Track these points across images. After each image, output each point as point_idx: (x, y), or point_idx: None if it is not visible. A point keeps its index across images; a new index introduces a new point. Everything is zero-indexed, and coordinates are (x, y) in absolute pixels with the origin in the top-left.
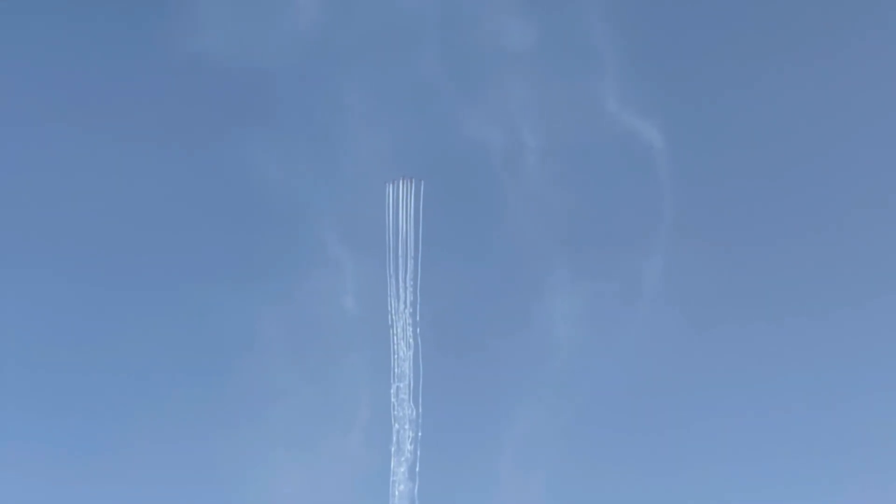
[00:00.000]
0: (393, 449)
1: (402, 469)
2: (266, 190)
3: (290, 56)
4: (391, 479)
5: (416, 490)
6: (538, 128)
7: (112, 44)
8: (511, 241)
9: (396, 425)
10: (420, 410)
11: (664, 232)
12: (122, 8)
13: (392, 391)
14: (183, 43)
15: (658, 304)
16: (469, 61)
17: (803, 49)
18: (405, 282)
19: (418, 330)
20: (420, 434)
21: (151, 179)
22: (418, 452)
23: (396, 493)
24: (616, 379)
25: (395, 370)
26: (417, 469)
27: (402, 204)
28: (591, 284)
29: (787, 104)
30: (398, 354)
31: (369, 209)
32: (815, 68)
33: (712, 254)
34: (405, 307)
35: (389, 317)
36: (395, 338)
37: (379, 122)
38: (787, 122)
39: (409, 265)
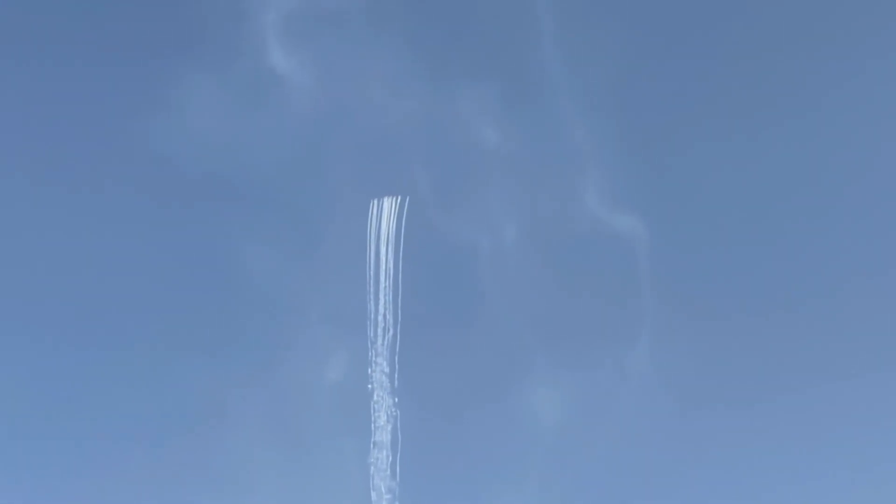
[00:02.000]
0: None
1: None
2: (246, 266)
3: (275, 151)
4: None
5: None
6: (519, 222)
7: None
8: (492, 330)
9: (374, 495)
10: (399, 481)
11: (648, 319)
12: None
13: (371, 461)
14: (164, 135)
15: (643, 390)
16: (450, 160)
17: (781, 133)
18: (385, 356)
19: (397, 400)
20: None
21: (133, 255)
22: None
23: None
24: (601, 462)
25: (375, 440)
26: None
27: (383, 282)
28: (575, 372)
29: (766, 191)
30: (377, 424)
31: (350, 284)
32: (793, 150)
33: (697, 338)
34: (385, 379)
35: (369, 388)
36: (374, 408)
37: (359, 210)
38: (768, 207)
39: (388, 340)
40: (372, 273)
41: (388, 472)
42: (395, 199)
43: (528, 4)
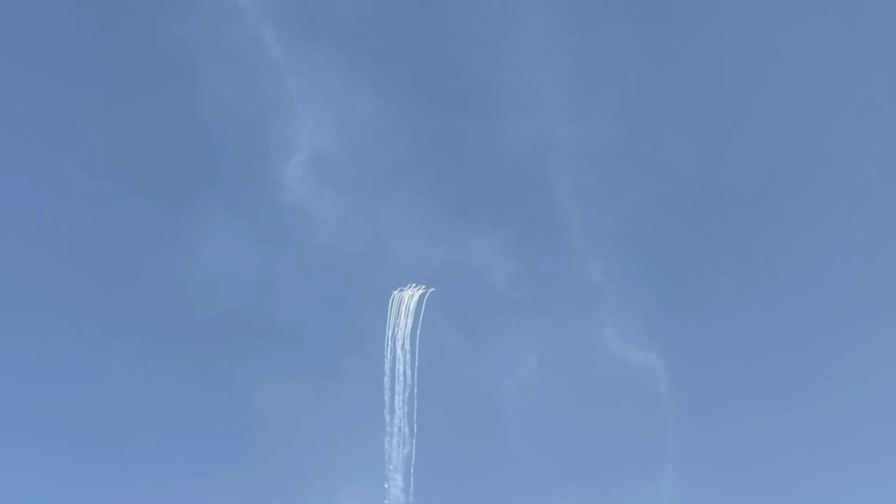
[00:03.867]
0: None
1: None
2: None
3: (292, 287)
4: None
5: None
6: (538, 363)
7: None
8: (513, 469)
9: None
10: None
11: (670, 452)
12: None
13: None
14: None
15: None
16: (470, 307)
17: (793, 263)
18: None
19: None
20: None
21: (149, 389)
22: None
23: None
24: None
25: None
26: None
27: (399, 420)
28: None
29: (782, 324)
30: None
31: (367, 419)
32: (806, 281)
33: (720, 470)
34: None
35: None
36: None
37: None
38: (783, 339)
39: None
40: (388, 403)
41: None
42: (416, 296)
43: (540, 152)
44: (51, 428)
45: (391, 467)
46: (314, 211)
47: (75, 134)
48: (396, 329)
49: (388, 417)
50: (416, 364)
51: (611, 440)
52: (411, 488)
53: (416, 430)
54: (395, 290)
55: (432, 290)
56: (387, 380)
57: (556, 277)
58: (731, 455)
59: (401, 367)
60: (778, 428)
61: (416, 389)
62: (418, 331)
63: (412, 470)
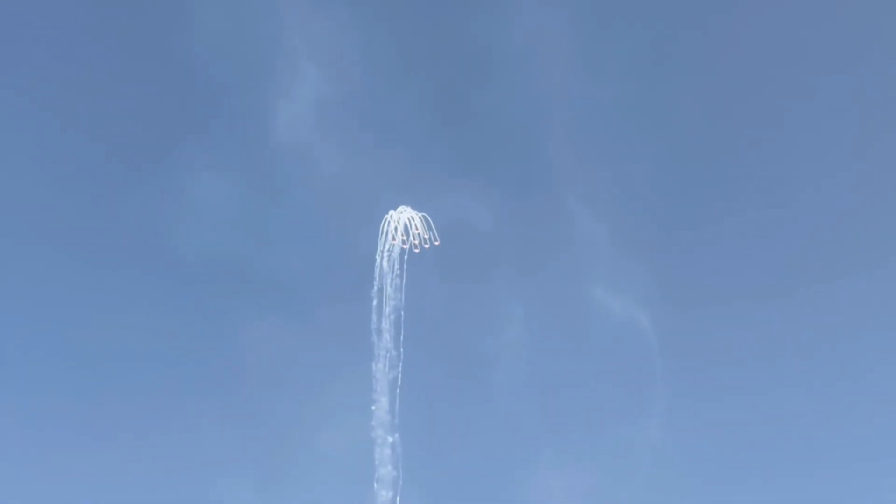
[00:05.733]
0: None
1: None
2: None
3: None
4: None
5: None
6: (527, 313)
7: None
8: (501, 421)
9: None
10: None
11: (657, 406)
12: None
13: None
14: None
15: (654, 469)
16: (461, 257)
17: (787, 201)
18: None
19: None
20: None
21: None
22: None
23: None
24: None
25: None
26: None
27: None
28: (583, 459)
29: (776, 267)
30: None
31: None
32: (801, 226)
33: (706, 422)
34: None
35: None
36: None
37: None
38: (772, 294)
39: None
40: (375, 324)
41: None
42: (408, 217)
43: (539, 109)
44: (39, 361)
45: (378, 390)
46: (305, 157)
47: (66, 69)
48: (386, 250)
49: (375, 339)
50: (404, 286)
51: (598, 390)
52: (396, 410)
53: (402, 356)
54: (389, 211)
55: (424, 213)
56: (374, 302)
57: (548, 231)
58: (716, 404)
59: (389, 291)
60: (763, 382)
61: (403, 314)
62: (406, 255)
63: (398, 392)
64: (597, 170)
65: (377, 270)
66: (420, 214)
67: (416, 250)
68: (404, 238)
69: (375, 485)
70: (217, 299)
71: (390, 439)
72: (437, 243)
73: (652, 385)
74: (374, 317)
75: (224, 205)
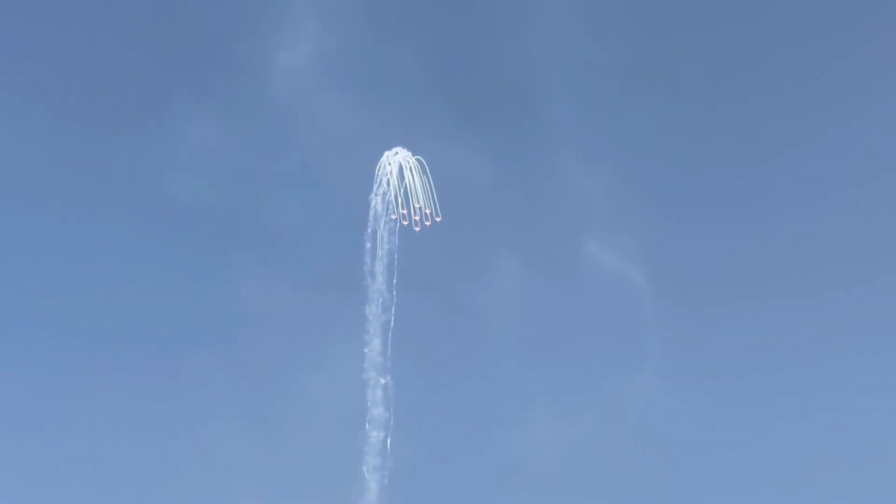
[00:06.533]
0: None
1: None
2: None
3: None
4: None
5: None
6: (521, 264)
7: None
8: (493, 370)
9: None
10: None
11: (650, 360)
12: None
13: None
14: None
15: (649, 413)
16: (457, 209)
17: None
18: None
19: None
20: None
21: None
22: None
23: None
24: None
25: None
26: None
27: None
28: (575, 410)
29: (770, 234)
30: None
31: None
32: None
33: (699, 380)
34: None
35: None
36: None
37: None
38: (769, 251)
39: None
40: (369, 266)
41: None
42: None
43: (543, 66)
44: (33, 308)
45: (370, 332)
46: (303, 108)
47: (60, 15)
48: (382, 192)
49: (369, 281)
50: (399, 229)
51: (591, 342)
52: (389, 353)
53: (395, 299)
54: (385, 153)
55: (419, 157)
56: (368, 245)
57: (544, 185)
58: (709, 357)
59: (383, 234)
60: (758, 336)
61: (397, 257)
62: (400, 197)
63: (390, 336)
64: (596, 126)
65: (371, 213)
66: (415, 158)
67: (417, 229)
68: (405, 213)
69: (367, 425)
70: (211, 247)
71: (382, 381)
72: (438, 220)
73: (645, 338)
74: (368, 259)
75: (220, 154)
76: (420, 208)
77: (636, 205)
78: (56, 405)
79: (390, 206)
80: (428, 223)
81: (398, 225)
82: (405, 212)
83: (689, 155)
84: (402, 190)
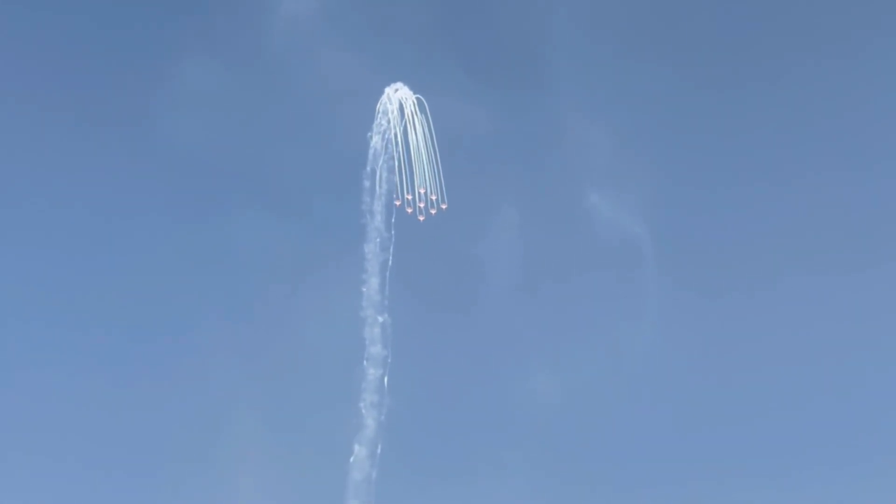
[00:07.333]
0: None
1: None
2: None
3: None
4: None
5: None
6: (523, 221)
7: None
8: (491, 319)
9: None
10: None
11: (649, 313)
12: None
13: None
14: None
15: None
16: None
17: (776, 121)
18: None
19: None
20: None
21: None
22: None
23: None
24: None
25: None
26: None
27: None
28: (575, 361)
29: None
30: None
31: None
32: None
33: (701, 328)
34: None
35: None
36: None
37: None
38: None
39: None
40: (368, 205)
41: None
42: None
43: (544, 12)
44: (29, 249)
45: (369, 270)
46: (305, 52)
47: None
48: (382, 130)
49: (368, 220)
50: (401, 167)
51: (591, 293)
52: (387, 292)
53: (394, 238)
54: (385, 89)
55: (419, 95)
56: (367, 184)
57: (546, 135)
58: (711, 308)
59: (383, 174)
60: (762, 287)
61: (395, 195)
62: (398, 132)
63: (388, 276)
64: (600, 78)
65: (370, 151)
66: (415, 96)
67: (421, 217)
68: (409, 198)
69: (365, 363)
70: (208, 189)
71: (380, 319)
72: (444, 207)
73: (645, 289)
74: (367, 198)
75: (220, 97)
76: (425, 193)
77: (639, 157)
78: (52, 336)
79: (394, 190)
80: (433, 211)
81: (397, 164)
82: (409, 197)
83: (693, 109)
84: (401, 129)
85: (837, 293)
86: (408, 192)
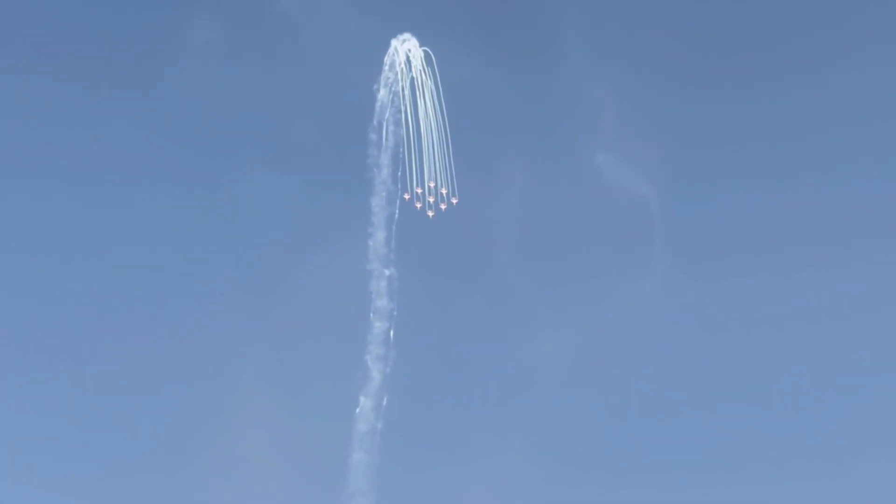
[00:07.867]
0: None
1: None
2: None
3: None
4: None
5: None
6: (528, 166)
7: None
8: (496, 276)
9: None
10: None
11: (656, 268)
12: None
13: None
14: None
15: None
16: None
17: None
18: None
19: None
20: None
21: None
22: None
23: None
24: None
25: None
26: None
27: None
28: (580, 316)
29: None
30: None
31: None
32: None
33: (705, 287)
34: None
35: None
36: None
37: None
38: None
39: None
40: (374, 160)
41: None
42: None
43: None
44: (33, 210)
45: (375, 224)
46: (314, 11)
47: None
48: (390, 80)
49: (375, 173)
50: (408, 119)
51: (596, 253)
52: (393, 245)
53: (400, 192)
54: (392, 41)
55: (426, 48)
56: (373, 136)
57: (554, 99)
58: (717, 265)
59: (390, 127)
60: (768, 248)
61: (403, 149)
62: (405, 86)
63: (394, 229)
64: (608, 37)
65: (377, 104)
66: (423, 49)
67: (431, 213)
68: (419, 192)
69: (371, 316)
70: (214, 143)
71: (387, 272)
72: (454, 201)
73: (652, 246)
74: (374, 151)
75: (225, 54)
76: (435, 188)
77: (646, 116)
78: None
79: (405, 184)
80: (444, 206)
81: (404, 118)
82: (419, 191)
83: (701, 68)
84: (408, 82)
85: (848, 236)
86: (418, 187)
